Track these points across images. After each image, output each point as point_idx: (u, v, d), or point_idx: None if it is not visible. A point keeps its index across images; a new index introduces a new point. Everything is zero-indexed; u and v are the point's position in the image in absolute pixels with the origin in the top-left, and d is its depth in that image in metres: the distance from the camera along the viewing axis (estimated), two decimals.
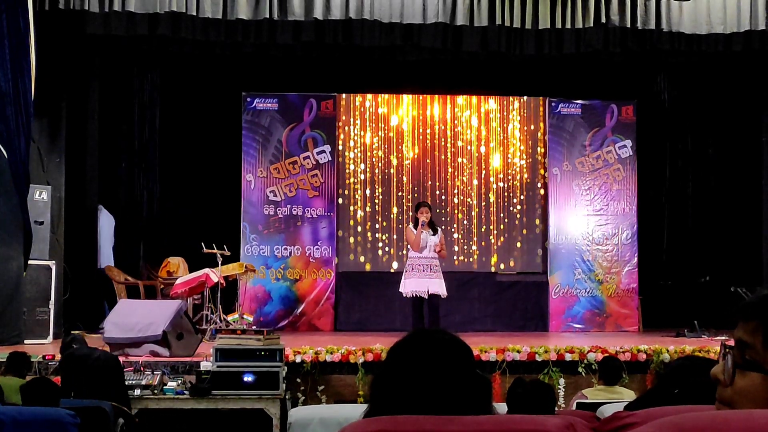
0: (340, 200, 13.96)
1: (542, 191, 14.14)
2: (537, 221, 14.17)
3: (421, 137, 14.15)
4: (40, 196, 11.32)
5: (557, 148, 13.92)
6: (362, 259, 14.01)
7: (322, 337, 12.01)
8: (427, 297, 11.10)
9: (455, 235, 13.95)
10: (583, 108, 14.01)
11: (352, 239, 14.01)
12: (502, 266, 14.12)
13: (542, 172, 14.14)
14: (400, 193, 14.05)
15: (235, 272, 12.34)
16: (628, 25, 10.98)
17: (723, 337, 11.49)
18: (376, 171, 14.06)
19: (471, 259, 14.07)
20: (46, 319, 11.15)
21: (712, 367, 1.68)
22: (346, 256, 13.96)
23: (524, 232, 14.16)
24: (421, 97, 14.23)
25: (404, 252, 12.95)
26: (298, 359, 9.23)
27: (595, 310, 13.68)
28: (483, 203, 14.11)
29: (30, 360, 7.62)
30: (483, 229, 14.09)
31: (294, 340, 10.41)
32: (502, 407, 4.72)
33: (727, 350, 1.68)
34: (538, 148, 14.20)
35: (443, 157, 14.14)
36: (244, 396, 8.27)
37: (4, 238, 10.55)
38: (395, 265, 13.67)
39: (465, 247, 14.06)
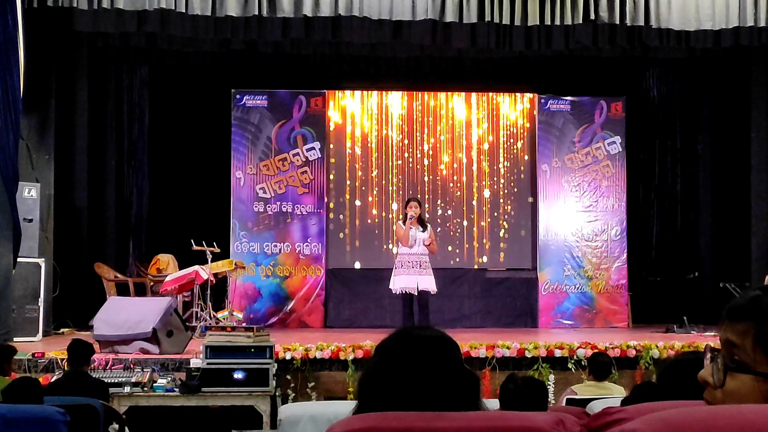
0: (330, 197, 13.96)
1: (531, 188, 14.15)
2: (526, 217, 14.19)
3: (410, 133, 14.15)
4: (29, 193, 11.29)
5: (546, 145, 13.94)
6: (352, 255, 14.01)
7: (312, 333, 12.02)
8: (416, 293, 11.10)
9: (447, 232, 13.97)
10: (573, 104, 14.03)
11: (341, 236, 14.01)
12: (490, 262, 14.13)
13: (531, 168, 14.16)
14: (389, 190, 14.05)
15: (225, 269, 12.33)
16: (617, 22, 10.99)
17: (711, 333, 11.53)
18: (366, 167, 14.06)
19: (461, 256, 14.09)
20: (35, 316, 11.12)
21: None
22: (336, 253, 13.96)
23: (513, 228, 14.18)
24: (410, 94, 14.23)
25: (393, 248, 12.96)
26: (288, 356, 9.23)
27: (585, 306, 13.71)
28: (472, 199, 14.13)
29: (12, 351, 7.55)
30: (472, 226, 14.11)
31: (284, 337, 10.41)
32: (493, 403, 4.73)
33: (715, 353, 1.66)
34: (528, 145, 14.22)
35: (432, 153, 14.15)
36: (234, 393, 8.28)
37: None
38: (385, 261, 13.65)
39: (455, 243, 14.08)
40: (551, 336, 11.41)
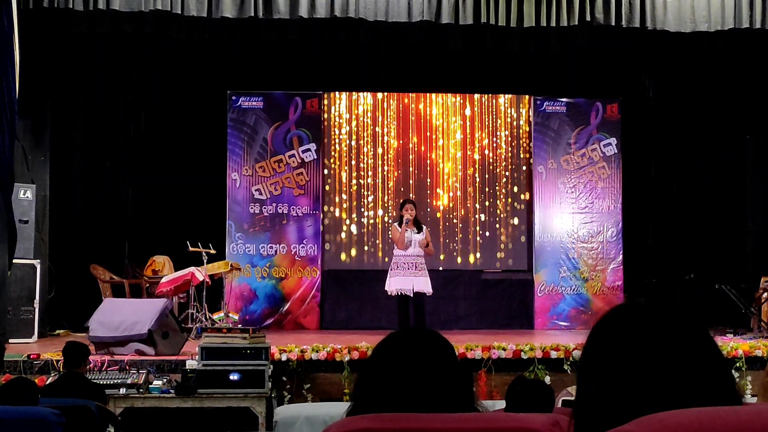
0: (326, 198, 13.95)
1: (527, 189, 14.15)
2: (522, 219, 14.19)
3: (405, 134, 14.14)
4: (24, 194, 11.28)
5: (542, 146, 13.94)
6: (348, 257, 14.00)
7: (308, 335, 12.02)
8: (412, 295, 11.09)
9: (441, 233, 13.96)
10: (568, 106, 14.03)
11: (337, 237, 14.00)
12: (486, 263, 14.13)
13: (527, 170, 14.16)
14: (385, 191, 14.04)
15: (221, 271, 12.32)
16: (613, 23, 10.99)
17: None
18: (361, 169, 14.05)
19: (456, 257, 14.08)
20: (30, 318, 11.12)
21: None
22: (332, 254, 13.95)
23: (509, 229, 14.18)
24: (406, 95, 14.23)
25: (388, 249, 12.95)
26: (283, 357, 9.23)
27: (581, 307, 13.71)
28: (468, 201, 14.12)
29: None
30: (468, 227, 14.11)
31: (280, 339, 10.41)
32: (500, 404, 4.74)
33: None
34: (523, 146, 14.22)
35: (428, 154, 14.15)
36: (229, 394, 8.27)
37: None
38: (381, 263, 13.65)
39: (450, 244, 14.07)
40: (547, 337, 11.41)
